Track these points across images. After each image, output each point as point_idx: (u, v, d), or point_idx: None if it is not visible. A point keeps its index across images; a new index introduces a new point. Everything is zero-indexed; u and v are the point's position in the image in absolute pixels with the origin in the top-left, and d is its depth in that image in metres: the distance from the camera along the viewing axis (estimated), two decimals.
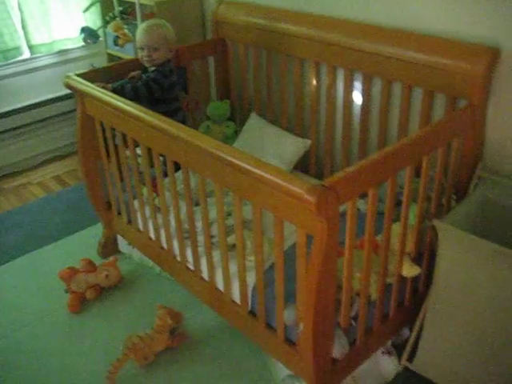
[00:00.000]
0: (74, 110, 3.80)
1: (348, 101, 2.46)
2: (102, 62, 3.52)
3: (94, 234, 2.98)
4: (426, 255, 2.03)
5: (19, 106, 3.62)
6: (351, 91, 2.44)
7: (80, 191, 3.32)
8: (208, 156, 1.80)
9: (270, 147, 2.70)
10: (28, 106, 3.65)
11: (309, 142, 2.67)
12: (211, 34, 2.98)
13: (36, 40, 3.49)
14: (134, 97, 2.36)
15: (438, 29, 2.06)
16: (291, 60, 2.65)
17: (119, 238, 2.86)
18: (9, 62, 3.47)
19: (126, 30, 2.97)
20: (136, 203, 2.49)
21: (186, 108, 2.93)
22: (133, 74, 2.55)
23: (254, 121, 2.88)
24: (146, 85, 2.37)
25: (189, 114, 2.96)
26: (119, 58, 3.31)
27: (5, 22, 3.32)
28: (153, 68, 2.47)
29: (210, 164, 1.82)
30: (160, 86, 2.41)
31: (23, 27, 3.42)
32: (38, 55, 3.61)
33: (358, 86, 2.43)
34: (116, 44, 2.90)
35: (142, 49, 2.43)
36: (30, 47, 3.49)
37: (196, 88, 2.96)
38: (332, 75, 2.47)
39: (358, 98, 2.45)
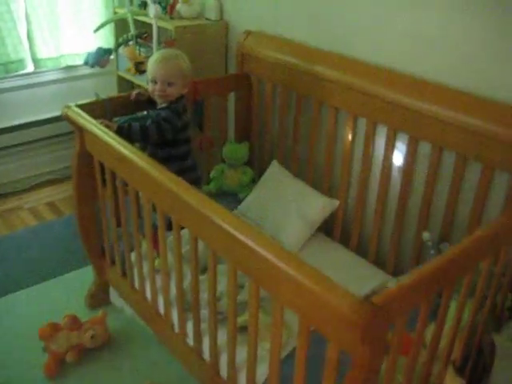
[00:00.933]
0: None
1: (387, 163, 2.13)
2: (111, 84, 3.22)
3: (84, 277, 2.64)
4: (470, 364, 1.69)
5: (18, 122, 3.31)
6: (392, 152, 2.11)
7: (74, 224, 2.98)
8: (221, 232, 1.46)
9: (291, 203, 2.36)
10: (27, 123, 3.34)
11: (336, 202, 2.34)
12: (235, 68, 2.67)
13: (42, 53, 3.18)
14: (142, 138, 2.04)
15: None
16: (324, 108, 2.33)
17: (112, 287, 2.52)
18: (10, 75, 3.15)
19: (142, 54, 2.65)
20: (133, 256, 2.16)
21: (199, 147, 2.61)
22: (140, 92, 2.25)
23: (274, 170, 2.55)
24: (156, 125, 2.04)
25: (202, 153, 2.63)
26: (131, 82, 2.99)
27: (9, 32, 3.01)
28: (164, 104, 2.15)
29: (223, 240, 1.48)
30: (172, 126, 2.08)
31: (29, 39, 3.11)
32: (43, 70, 3.30)
33: (401, 147, 2.10)
34: (138, 70, 2.59)
35: (155, 82, 2.11)
36: (35, 61, 3.17)
37: (212, 125, 2.64)
38: (371, 132, 2.14)
39: (399, 161, 2.12)
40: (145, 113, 2.26)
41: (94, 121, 1.99)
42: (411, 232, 2.16)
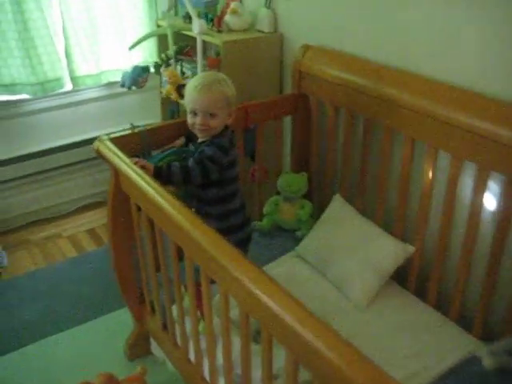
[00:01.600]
0: None
1: (477, 205, 1.76)
2: (154, 101, 2.95)
3: (125, 319, 2.35)
4: None
5: (56, 144, 3.09)
6: (484, 194, 1.74)
7: None
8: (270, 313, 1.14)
9: (358, 248, 2.02)
10: (66, 145, 3.12)
11: (412, 248, 1.98)
12: (291, 88, 2.34)
13: (81, 71, 2.94)
14: (184, 181, 1.74)
15: None
16: (399, 137, 1.97)
17: None
18: (47, 94, 2.93)
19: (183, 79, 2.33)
20: (175, 309, 1.87)
21: (251, 178, 2.30)
22: (177, 142, 1.95)
23: (338, 206, 2.21)
24: (200, 166, 1.73)
25: (254, 185, 2.33)
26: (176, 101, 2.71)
27: (46, 48, 2.78)
28: (206, 138, 1.83)
29: (274, 319, 1.17)
30: (218, 165, 1.77)
31: (67, 55, 2.87)
32: (82, 88, 3.06)
33: (494, 188, 1.73)
34: (182, 95, 2.26)
35: (194, 114, 1.80)
36: (74, 79, 2.94)
37: (266, 154, 2.32)
38: (457, 169, 1.77)
39: (492, 204, 1.75)
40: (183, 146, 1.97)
41: (127, 160, 1.71)
42: (506, 288, 1.79)
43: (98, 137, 1.87)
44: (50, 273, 2.78)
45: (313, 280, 2.08)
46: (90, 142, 3.14)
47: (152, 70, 2.77)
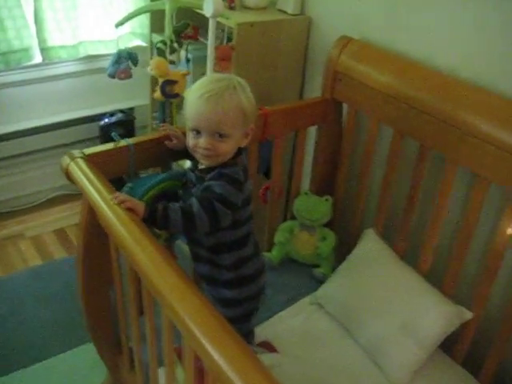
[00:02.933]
0: (97, 137, 2.83)
1: None
2: (144, 83, 2.44)
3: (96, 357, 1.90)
4: None
5: (21, 127, 2.56)
6: None
7: None
8: None
9: (397, 305, 1.59)
10: (34, 128, 2.60)
11: (468, 315, 1.55)
12: (318, 88, 1.85)
13: (54, 40, 2.40)
14: (186, 229, 1.26)
15: None
16: (466, 174, 1.53)
17: None
18: (12, 67, 2.39)
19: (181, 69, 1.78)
20: (162, 374, 1.43)
21: (262, 199, 1.84)
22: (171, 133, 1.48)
23: (370, 244, 1.76)
24: (208, 209, 1.24)
25: (265, 207, 1.87)
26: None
27: (10, 12, 2.23)
28: (211, 165, 1.33)
29: None
30: (232, 207, 1.28)
31: (36, 21, 2.32)
32: (55, 61, 2.52)
33: None
34: (167, 94, 1.71)
35: (198, 133, 1.29)
36: (44, 50, 2.39)
37: (282, 170, 1.85)
38: None
39: None
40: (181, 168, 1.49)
41: (107, 194, 1.23)
42: None
43: (69, 152, 1.37)
44: (8, 286, 2.30)
45: (336, 340, 1.65)
46: (61, 125, 2.67)
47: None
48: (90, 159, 1.36)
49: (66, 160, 1.37)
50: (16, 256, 2.48)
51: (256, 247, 1.47)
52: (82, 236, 1.43)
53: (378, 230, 1.78)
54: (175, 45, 1.78)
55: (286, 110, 1.71)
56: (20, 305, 2.20)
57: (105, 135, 2.65)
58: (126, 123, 2.70)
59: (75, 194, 2.77)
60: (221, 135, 1.26)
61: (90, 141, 2.75)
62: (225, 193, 1.25)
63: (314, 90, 1.94)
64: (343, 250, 1.84)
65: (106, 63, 2.08)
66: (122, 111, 2.74)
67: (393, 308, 1.59)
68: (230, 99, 1.24)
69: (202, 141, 1.27)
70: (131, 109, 2.82)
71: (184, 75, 1.66)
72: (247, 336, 1.52)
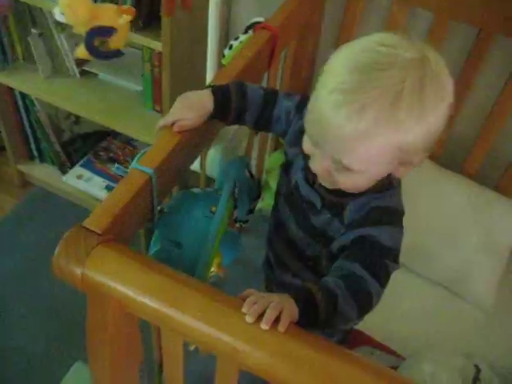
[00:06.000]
0: None
1: None
2: None
3: None
4: None
5: None
6: None
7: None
8: None
9: (468, 227, 1.33)
10: None
11: None
12: None
13: None
14: (361, 316, 0.74)
15: None
16: None
17: None
18: None
19: None
20: None
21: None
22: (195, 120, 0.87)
23: None
24: (385, 279, 0.75)
25: None
26: None
27: None
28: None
29: None
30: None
31: None
32: None
33: None
34: (97, 52, 0.93)
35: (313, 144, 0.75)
36: None
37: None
38: None
39: None
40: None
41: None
42: None
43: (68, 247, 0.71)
44: None
45: (407, 286, 1.38)
46: None
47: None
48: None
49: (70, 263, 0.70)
50: None
51: None
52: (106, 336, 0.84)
53: None
54: None
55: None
56: None
57: None
58: None
59: None
60: (346, 167, 0.72)
61: None
62: (395, 244, 0.77)
63: None
64: None
65: None
66: None
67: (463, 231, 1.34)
68: (388, 121, 0.66)
69: (314, 163, 0.76)
70: None
71: (127, 19, 0.94)
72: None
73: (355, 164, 0.70)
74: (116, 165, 1.86)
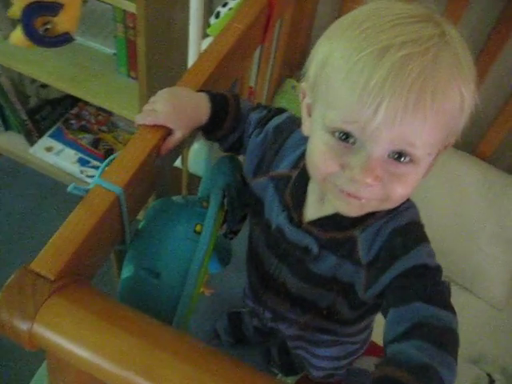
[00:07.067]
0: None
1: None
2: None
3: None
4: None
5: None
6: None
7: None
8: None
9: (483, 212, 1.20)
10: None
11: None
12: None
13: None
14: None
15: None
16: None
17: None
18: None
19: None
20: None
21: None
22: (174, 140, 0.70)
23: None
24: (452, 307, 0.56)
25: None
26: None
27: None
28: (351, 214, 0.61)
29: None
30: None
31: None
32: None
33: None
34: (39, 36, 0.74)
35: (347, 140, 0.53)
36: None
37: None
38: None
39: None
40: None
41: None
42: None
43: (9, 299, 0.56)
44: None
45: None
46: None
47: None
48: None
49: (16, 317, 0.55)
50: None
51: None
52: None
53: None
54: None
55: None
56: None
57: None
58: None
59: None
60: (406, 157, 0.53)
61: None
62: (436, 260, 0.60)
63: None
64: None
65: None
66: None
67: (475, 220, 1.20)
68: (447, 71, 0.51)
69: (360, 167, 0.53)
70: None
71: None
72: None
73: (426, 145, 0.53)
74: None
